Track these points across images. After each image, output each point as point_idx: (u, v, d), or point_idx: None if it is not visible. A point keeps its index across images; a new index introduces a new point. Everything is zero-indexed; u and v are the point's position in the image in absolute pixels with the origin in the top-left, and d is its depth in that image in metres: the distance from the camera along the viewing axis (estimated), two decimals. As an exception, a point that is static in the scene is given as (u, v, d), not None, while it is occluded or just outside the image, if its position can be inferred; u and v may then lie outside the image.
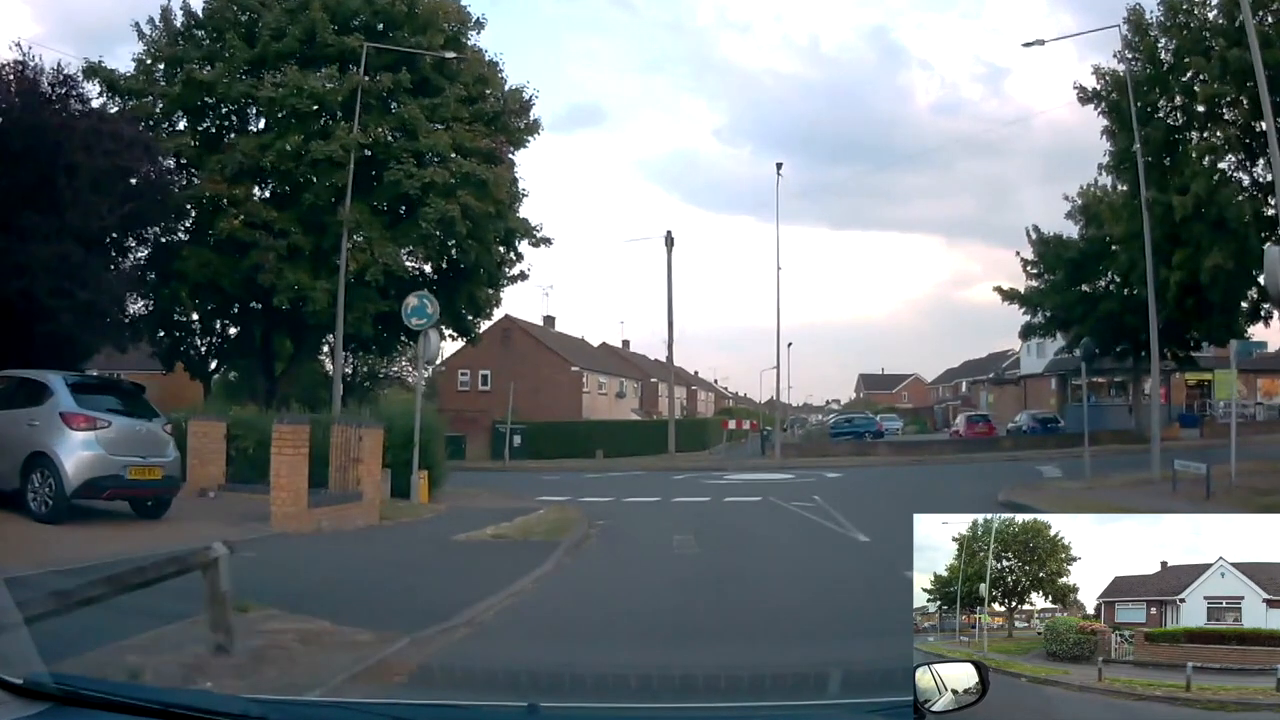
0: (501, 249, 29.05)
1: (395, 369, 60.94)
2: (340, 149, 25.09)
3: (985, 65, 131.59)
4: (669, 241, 41.30)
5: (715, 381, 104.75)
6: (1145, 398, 37.91)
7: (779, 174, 42.68)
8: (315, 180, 26.03)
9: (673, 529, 15.20)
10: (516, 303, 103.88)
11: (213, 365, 32.82)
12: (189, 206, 26.82)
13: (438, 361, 36.78)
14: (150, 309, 27.42)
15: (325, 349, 32.26)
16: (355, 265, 25.03)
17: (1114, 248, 31.53)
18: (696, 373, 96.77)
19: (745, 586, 10.18)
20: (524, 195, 29.55)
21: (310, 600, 7.90)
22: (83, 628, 5.19)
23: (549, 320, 63.22)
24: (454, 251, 27.58)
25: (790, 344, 73.45)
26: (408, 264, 27.46)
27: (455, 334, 31.04)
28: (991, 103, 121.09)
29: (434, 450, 19.46)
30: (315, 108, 26.28)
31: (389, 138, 26.55)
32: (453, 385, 55.22)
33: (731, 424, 46.22)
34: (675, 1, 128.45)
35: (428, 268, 28.87)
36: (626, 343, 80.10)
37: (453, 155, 26.55)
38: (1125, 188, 27.35)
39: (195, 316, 29.67)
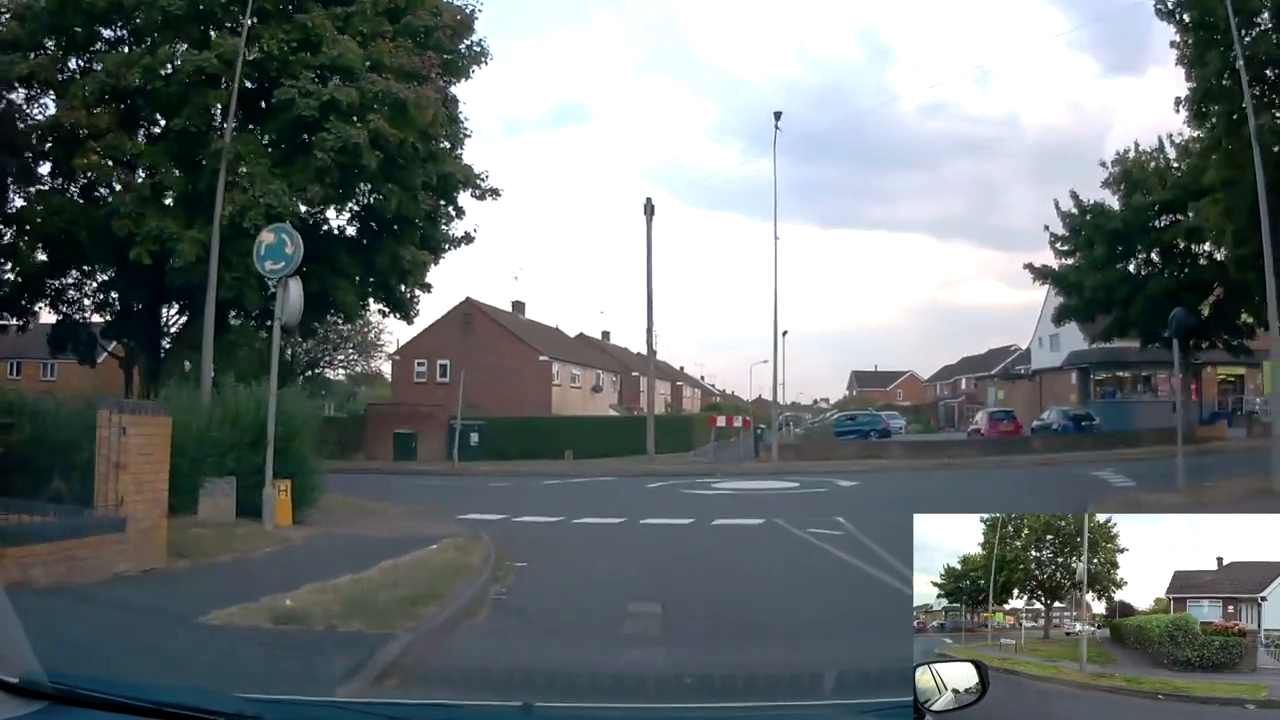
0: (437, 200, 23.37)
1: (342, 357, 55.17)
2: (217, 59, 19.41)
3: (975, 65, 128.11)
4: (649, 210, 35.83)
5: (702, 378, 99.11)
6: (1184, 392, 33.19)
7: (776, 126, 33.73)
8: (189, 101, 20.35)
9: (632, 582, 9.64)
10: (481, 286, 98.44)
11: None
12: (41, 138, 21.27)
13: (298, 321, 30.44)
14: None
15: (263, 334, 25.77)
16: (232, 207, 19.20)
17: (1185, 213, 26.37)
18: (683, 368, 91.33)
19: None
20: (467, 135, 24.13)
21: None
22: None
23: (518, 305, 57.66)
24: (370, 198, 21.86)
25: (785, 332, 68.15)
26: (305, 210, 21.53)
27: (386, 308, 25.53)
28: (980, 102, 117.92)
29: (300, 451, 13.70)
30: (193, 10, 20.61)
31: (285, 49, 20.69)
32: (409, 376, 50.21)
33: (720, 420, 40.01)
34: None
35: (334, 215, 23.10)
36: (607, 334, 74.72)
37: (367, 73, 20.83)
38: (1214, 123, 21.91)
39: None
